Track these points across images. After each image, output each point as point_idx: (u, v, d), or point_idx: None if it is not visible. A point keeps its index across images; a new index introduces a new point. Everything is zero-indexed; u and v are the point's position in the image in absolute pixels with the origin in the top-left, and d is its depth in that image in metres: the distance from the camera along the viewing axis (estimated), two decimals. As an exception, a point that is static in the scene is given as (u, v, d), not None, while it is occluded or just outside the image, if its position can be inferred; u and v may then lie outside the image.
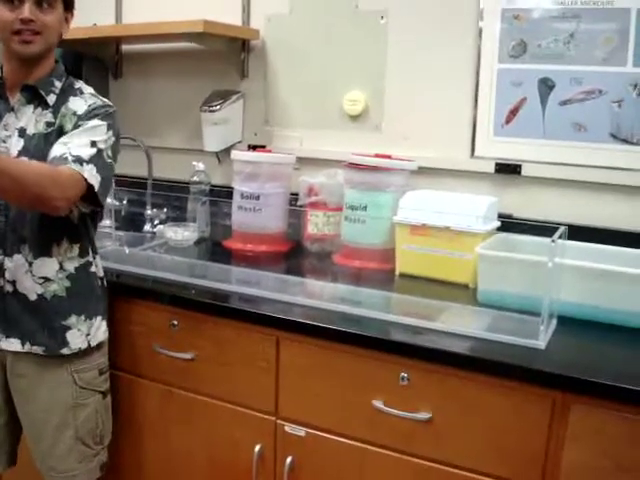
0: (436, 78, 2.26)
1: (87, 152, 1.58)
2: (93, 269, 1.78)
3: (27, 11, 1.56)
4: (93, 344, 1.76)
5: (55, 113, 1.66)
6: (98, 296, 1.80)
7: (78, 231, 1.72)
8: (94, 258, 1.79)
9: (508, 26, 2.11)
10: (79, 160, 1.55)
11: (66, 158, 1.55)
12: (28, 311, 1.69)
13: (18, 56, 1.62)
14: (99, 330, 1.78)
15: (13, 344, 1.71)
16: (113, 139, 1.67)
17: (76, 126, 1.63)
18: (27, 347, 1.70)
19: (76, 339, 1.72)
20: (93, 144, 1.60)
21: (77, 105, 1.67)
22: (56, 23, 1.64)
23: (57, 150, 1.57)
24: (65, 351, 1.71)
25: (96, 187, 1.58)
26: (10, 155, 1.62)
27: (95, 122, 1.63)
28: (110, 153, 1.65)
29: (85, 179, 1.55)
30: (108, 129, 1.65)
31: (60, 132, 1.64)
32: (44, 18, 1.60)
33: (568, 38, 2.03)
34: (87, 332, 1.74)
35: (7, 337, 1.71)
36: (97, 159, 1.59)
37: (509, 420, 1.47)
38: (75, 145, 1.58)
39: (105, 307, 1.83)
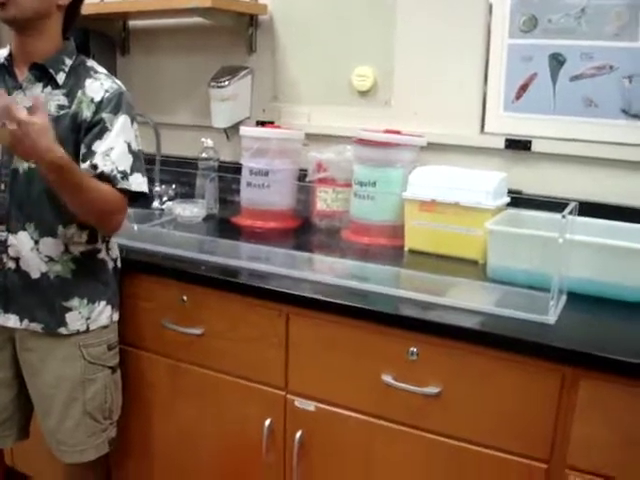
0: (446, 53, 2.24)
1: (128, 162, 1.65)
2: (101, 256, 1.78)
3: None
4: (92, 328, 1.76)
5: (69, 96, 1.65)
6: (105, 282, 1.80)
7: None
8: (105, 245, 1.79)
9: (518, 1, 2.08)
10: (125, 175, 1.64)
11: (115, 176, 1.62)
12: (29, 289, 1.70)
13: (9, 26, 1.61)
14: (102, 315, 1.78)
15: (11, 320, 1.72)
16: (136, 128, 1.71)
17: (96, 115, 1.63)
18: (25, 324, 1.72)
19: (76, 321, 1.73)
20: (129, 148, 1.66)
21: (94, 90, 1.66)
22: None
23: (102, 164, 1.61)
24: (63, 331, 1.73)
25: (146, 190, 1.70)
26: None
27: (122, 119, 1.65)
28: (139, 145, 1.71)
29: (134, 190, 1.66)
30: (132, 122, 1.69)
31: (75, 117, 1.63)
32: None
33: (579, 13, 2.01)
34: (88, 316, 1.75)
35: (5, 313, 1.72)
36: (136, 162, 1.68)
37: (518, 395, 1.47)
38: (117, 156, 1.63)
39: (114, 293, 1.83)
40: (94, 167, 1.60)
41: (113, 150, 1.62)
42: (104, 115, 1.63)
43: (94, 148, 1.62)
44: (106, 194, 1.60)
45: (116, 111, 1.65)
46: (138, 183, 1.66)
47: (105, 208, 1.61)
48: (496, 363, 1.48)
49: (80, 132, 1.64)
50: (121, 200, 1.65)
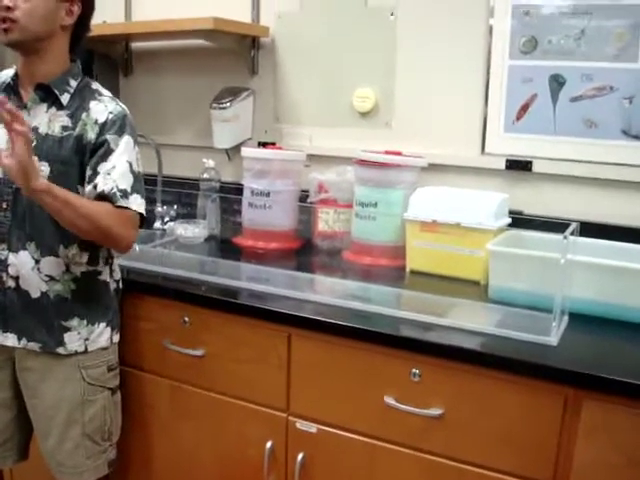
0: (446, 74, 2.25)
1: (129, 182, 1.66)
2: (103, 277, 1.78)
3: None
4: (91, 349, 1.76)
5: (72, 118, 1.66)
6: (106, 304, 1.80)
7: (90, 241, 1.72)
8: (107, 267, 1.79)
9: (519, 22, 2.10)
10: (125, 194, 1.64)
11: (115, 194, 1.62)
12: (28, 308, 1.69)
13: (14, 48, 1.62)
14: (101, 336, 1.78)
15: (9, 339, 1.72)
16: (138, 150, 1.72)
17: (100, 136, 1.64)
18: (23, 342, 1.71)
19: (74, 342, 1.73)
20: (131, 168, 1.67)
21: (98, 112, 1.67)
22: (40, 10, 1.59)
23: (103, 184, 1.62)
24: (61, 350, 1.72)
25: (144, 212, 1.70)
26: None
27: (126, 139, 1.67)
28: (140, 167, 1.72)
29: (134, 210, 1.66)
30: (135, 143, 1.70)
31: (80, 139, 1.64)
32: (23, 5, 1.56)
33: (579, 34, 2.03)
34: (87, 337, 1.75)
35: (4, 332, 1.72)
36: (136, 183, 1.68)
37: (521, 416, 1.47)
38: (118, 175, 1.64)
39: (114, 315, 1.83)
40: (95, 187, 1.61)
41: (115, 169, 1.63)
42: (108, 137, 1.64)
43: (99, 169, 1.63)
44: (99, 210, 1.59)
45: (120, 132, 1.66)
46: (138, 204, 1.67)
47: (101, 224, 1.59)
48: (498, 384, 1.48)
49: (85, 154, 1.64)
50: (123, 215, 1.64)
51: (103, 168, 1.63)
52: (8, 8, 1.56)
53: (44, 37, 1.62)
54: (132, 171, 1.67)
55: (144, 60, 2.89)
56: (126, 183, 1.64)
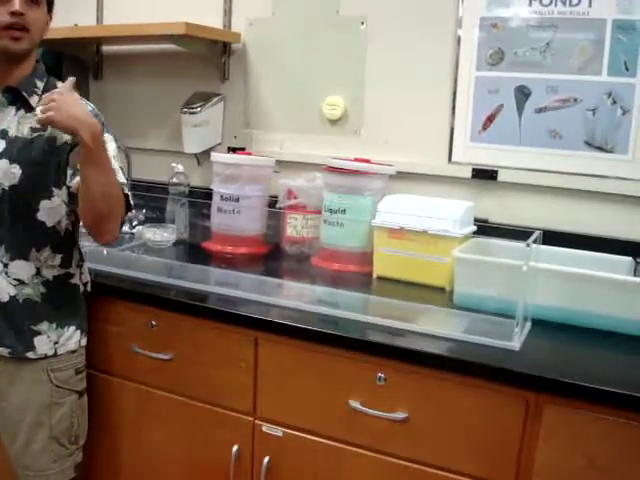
0: (415, 84, 2.29)
1: (121, 176, 1.66)
2: (74, 281, 1.78)
3: (18, 4, 1.54)
4: (60, 352, 1.75)
5: None
6: (75, 307, 1.79)
7: (63, 241, 1.72)
8: (78, 270, 1.79)
9: (486, 34, 2.14)
10: (125, 186, 1.65)
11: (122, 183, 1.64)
12: None
13: (6, 53, 1.60)
14: (70, 340, 1.77)
15: None
16: (115, 147, 1.72)
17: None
18: None
19: (43, 345, 1.72)
20: (114, 160, 1.65)
21: None
22: (42, 21, 1.64)
23: None
24: (31, 355, 1.71)
25: (132, 202, 1.67)
26: None
27: (106, 136, 1.65)
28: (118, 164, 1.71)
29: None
30: (113, 139, 1.71)
31: (53, 140, 1.63)
32: (32, 14, 1.59)
33: (545, 47, 2.07)
34: (56, 340, 1.74)
35: None
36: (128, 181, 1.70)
37: (484, 420, 1.49)
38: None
39: (83, 318, 1.82)
40: None
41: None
42: None
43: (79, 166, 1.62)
44: (118, 185, 1.60)
45: None
46: (130, 197, 1.67)
47: (119, 199, 1.60)
48: (461, 388, 1.50)
49: (61, 155, 1.64)
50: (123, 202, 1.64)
51: None
52: (22, 14, 1.56)
53: (36, 46, 1.66)
54: (118, 167, 1.67)
55: (115, 64, 2.88)
56: (122, 177, 1.66)
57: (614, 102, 2.01)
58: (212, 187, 2.37)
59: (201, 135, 2.58)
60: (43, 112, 1.44)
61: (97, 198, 1.55)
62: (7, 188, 1.61)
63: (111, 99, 2.87)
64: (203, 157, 2.64)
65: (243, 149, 2.53)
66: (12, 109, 1.66)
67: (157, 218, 2.56)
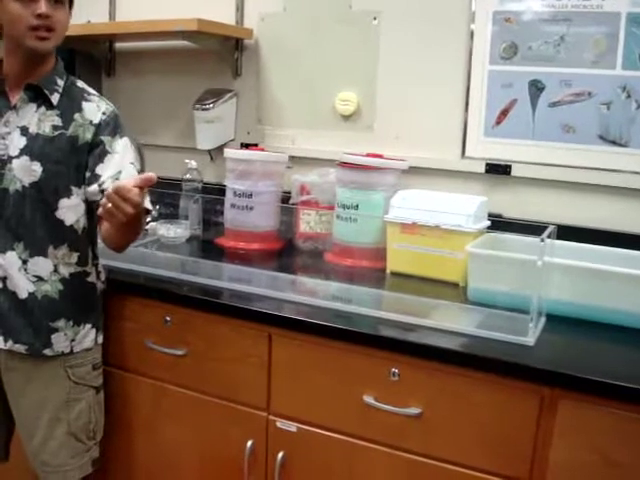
0: (428, 79, 2.28)
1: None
2: (91, 279, 1.79)
3: (44, 6, 1.55)
4: (76, 350, 1.76)
5: (63, 117, 1.66)
6: (92, 305, 1.81)
7: (80, 240, 1.73)
8: (94, 268, 1.80)
9: (499, 28, 2.13)
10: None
11: None
12: (16, 309, 1.69)
13: (31, 52, 1.61)
14: (86, 337, 1.78)
15: None
16: (134, 148, 1.75)
17: (96, 137, 1.66)
18: (9, 344, 1.71)
19: (60, 342, 1.73)
20: (135, 168, 1.68)
21: (91, 112, 1.68)
22: (66, 20, 1.64)
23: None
24: (48, 352, 1.72)
25: (151, 207, 1.69)
26: (7, 153, 1.63)
27: (124, 141, 1.68)
28: (138, 165, 1.74)
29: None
30: (131, 142, 1.72)
31: (74, 140, 1.65)
32: (57, 14, 1.59)
33: (558, 41, 2.06)
34: (72, 337, 1.75)
35: None
36: None
37: (498, 415, 1.49)
38: (129, 176, 1.60)
39: (99, 316, 1.84)
40: (103, 192, 1.59)
41: (121, 173, 1.64)
42: (103, 138, 1.66)
43: (97, 171, 1.65)
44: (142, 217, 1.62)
45: (114, 133, 1.68)
46: (148, 201, 1.66)
47: (141, 227, 1.66)
48: (476, 384, 1.50)
49: (83, 155, 1.66)
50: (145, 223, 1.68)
51: (104, 171, 1.64)
52: (48, 16, 1.57)
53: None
54: (137, 171, 1.68)
55: (127, 60, 2.89)
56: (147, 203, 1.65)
57: (628, 96, 1.99)
58: (225, 183, 2.37)
59: (214, 131, 2.58)
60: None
61: (122, 241, 1.66)
62: (27, 185, 1.63)
63: (124, 96, 2.88)
64: (216, 153, 2.65)
65: (256, 145, 2.52)
66: (33, 106, 1.67)
67: (170, 214, 2.56)
